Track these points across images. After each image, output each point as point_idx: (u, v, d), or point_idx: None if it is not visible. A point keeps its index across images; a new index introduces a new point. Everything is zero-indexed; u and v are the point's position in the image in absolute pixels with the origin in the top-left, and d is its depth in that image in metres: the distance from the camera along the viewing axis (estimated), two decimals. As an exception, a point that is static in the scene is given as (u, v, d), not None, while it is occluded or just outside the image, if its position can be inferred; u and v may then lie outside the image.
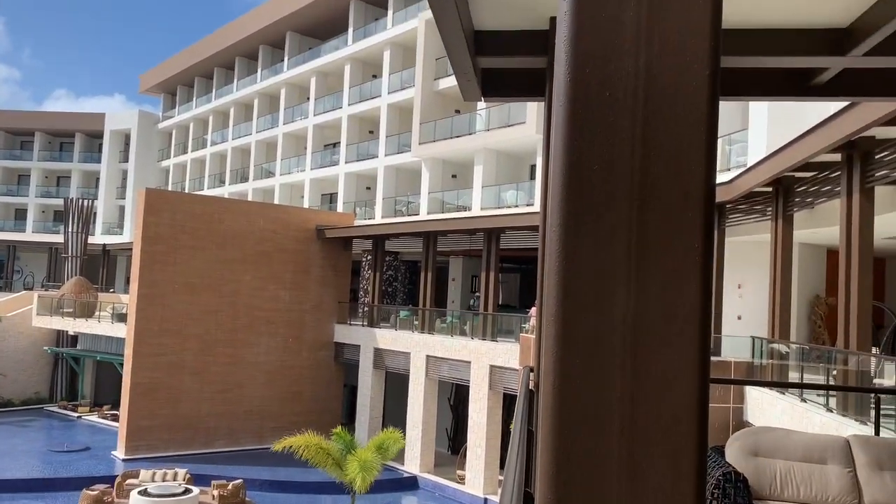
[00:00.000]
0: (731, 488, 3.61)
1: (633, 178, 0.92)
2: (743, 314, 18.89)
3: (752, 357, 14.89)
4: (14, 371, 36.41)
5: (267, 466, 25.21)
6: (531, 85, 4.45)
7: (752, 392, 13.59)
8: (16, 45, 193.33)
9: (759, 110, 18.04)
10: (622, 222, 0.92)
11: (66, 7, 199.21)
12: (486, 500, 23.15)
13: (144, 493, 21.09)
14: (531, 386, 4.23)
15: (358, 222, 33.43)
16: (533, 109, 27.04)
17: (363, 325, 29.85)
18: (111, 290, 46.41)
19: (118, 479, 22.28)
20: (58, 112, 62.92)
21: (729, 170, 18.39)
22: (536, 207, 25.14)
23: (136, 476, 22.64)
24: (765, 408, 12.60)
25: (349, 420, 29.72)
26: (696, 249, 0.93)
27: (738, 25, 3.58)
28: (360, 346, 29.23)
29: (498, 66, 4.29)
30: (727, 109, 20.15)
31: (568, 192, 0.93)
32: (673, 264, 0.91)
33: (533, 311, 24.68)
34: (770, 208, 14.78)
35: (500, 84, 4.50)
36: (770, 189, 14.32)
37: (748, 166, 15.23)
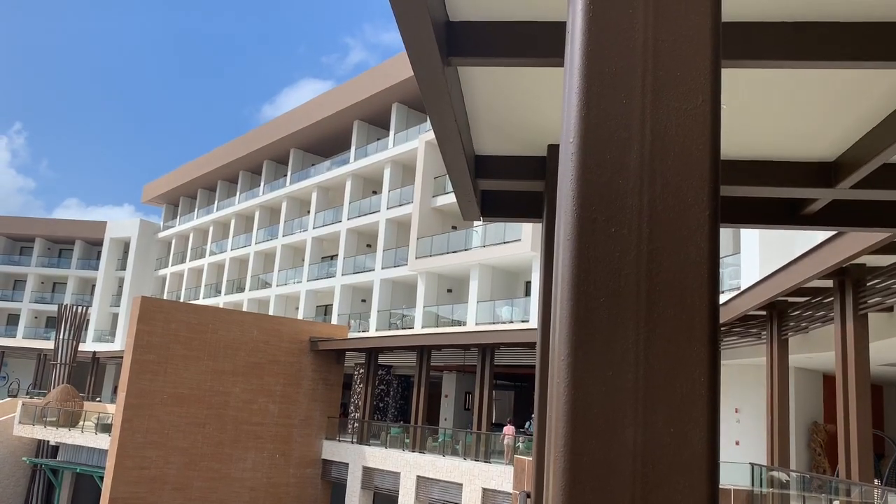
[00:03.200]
0: None
1: (638, 310, 0.95)
2: (741, 439, 18.50)
3: (752, 485, 14.46)
4: (-12, 482, 35.04)
5: (245, 592, 23.85)
6: (528, 206, 4.58)
7: (754, 522, 13.10)
8: (34, 157, 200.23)
9: (751, 235, 18.41)
10: (629, 353, 0.94)
11: (83, 122, 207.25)
12: None
13: None
14: (528, 511, 4.09)
15: (352, 335, 33.22)
16: (528, 228, 27.54)
17: (352, 442, 29.05)
18: (98, 398, 45.40)
19: None
20: (60, 219, 63.84)
21: (722, 293, 18.55)
22: (532, 324, 25.11)
23: None
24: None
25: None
26: (703, 382, 0.94)
27: (733, 157, 3.74)
28: (348, 463, 28.33)
29: (497, 188, 4.43)
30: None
31: (575, 322, 0.95)
32: (680, 394, 0.92)
33: (507, 429, 24.10)
34: (765, 332, 14.79)
35: (498, 205, 4.63)
36: (764, 312, 14.39)
37: (741, 289, 15.36)
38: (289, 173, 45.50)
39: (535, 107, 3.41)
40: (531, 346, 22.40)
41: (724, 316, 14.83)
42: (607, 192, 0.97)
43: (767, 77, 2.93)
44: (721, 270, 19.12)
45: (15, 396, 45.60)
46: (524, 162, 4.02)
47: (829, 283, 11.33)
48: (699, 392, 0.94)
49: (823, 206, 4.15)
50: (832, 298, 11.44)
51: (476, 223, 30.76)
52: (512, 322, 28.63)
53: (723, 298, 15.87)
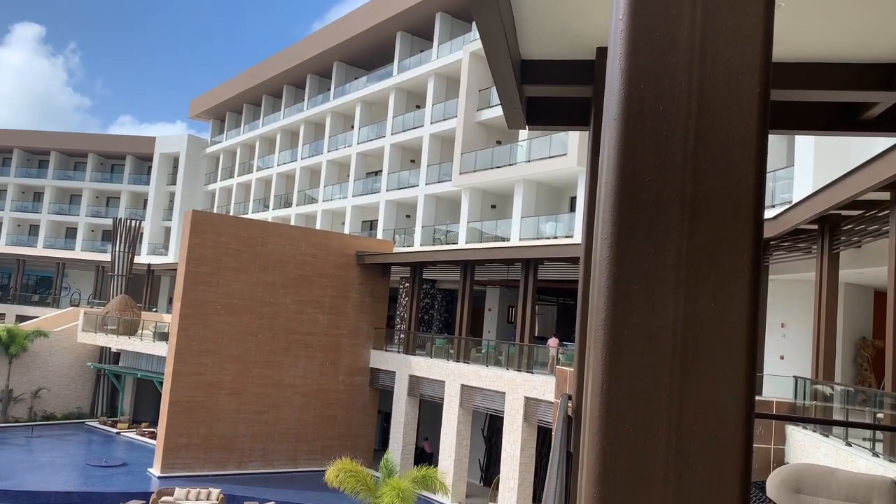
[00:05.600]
0: (773, 524, 3.52)
1: (684, 188, 0.96)
2: (786, 354, 18.46)
3: (795, 398, 14.52)
4: (58, 385, 37.22)
5: (299, 490, 25.23)
6: (575, 114, 4.50)
7: (794, 433, 13.23)
8: (90, 76, 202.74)
9: (805, 147, 17.81)
10: (673, 230, 0.96)
11: (137, 40, 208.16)
12: (517, 534, 22.79)
13: (178, 511, 21.28)
14: (569, 413, 4.21)
15: (397, 249, 33.64)
16: (574, 142, 27.07)
17: (399, 352, 29.88)
18: (154, 309, 47.30)
19: (153, 496, 22.51)
20: (111, 135, 64.97)
21: (773, 206, 18.13)
22: (576, 239, 25.05)
23: (171, 494, 22.85)
24: (807, 450, 12.25)
25: (382, 446, 29.63)
26: (745, 260, 0.96)
27: (786, 59, 3.59)
28: (395, 372, 29.24)
29: (543, 94, 4.35)
30: (772, 145, 19.95)
31: (619, 200, 0.97)
32: (722, 272, 0.94)
33: (551, 341, 24.46)
34: (815, 246, 14.51)
35: (544, 113, 4.56)
36: (815, 227, 14.07)
37: (793, 203, 15.00)
38: (332, 87, 45.18)
39: (583, 5, 3.31)
40: (575, 261, 22.41)
41: (774, 230, 14.56)
42: (656, 69, 0.96)
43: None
44: (773, 184, 18.68)
45: (77, 306, 47.82)
46: (572, 66, 3.93)
47: (885, 196, 10.99)
48: (741, 268, 0.95)
49: (883, 111, 3.98)
50: (887, 212, 11.12)
51: (521, 137, 30.36)
52: (556, 238, 28.57)
53: (773, 212, 15.54)
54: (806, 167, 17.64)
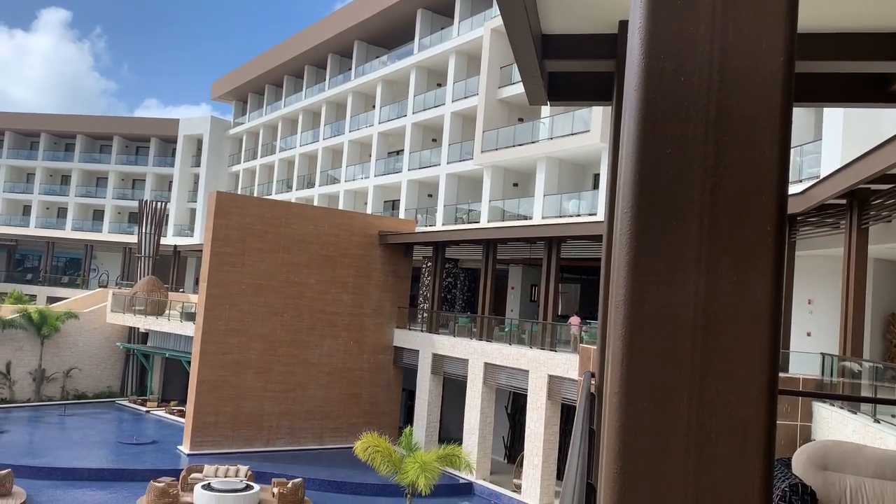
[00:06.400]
0: (798, 501, 3.50)
1: (706, 159, 0.94)
2: (812, 331, 18.26)
3: (822, 374, 14.38)
4: (88, 365, 37.96)
5: (326, 467, 25.58)
6: (598, 89, 4.44)
7: (820, 410, 13.12)
8: (115, 60, 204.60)
9: (833, 120, 17.47)
10: (694, 202, 0.94)
11: (161, 24, 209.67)
12: (541, 510, 22.94)
13: (208, 487, 21.69)
14: (592, 390, 4.21)
15: (419, 229, 33.69)
16: (598, 118, 26.80)
17: (422, 331, 30.04)
18: (181, 289, 47.93)
19: (183, 473, 22.96)
20: (135, 117, 65.52)
21: (800, 181, 17.85)
22: (599, 217, 24.89)
23: (201, 471, 23.28)
24: (834, 427, 12.15)
25: (406, 424, 29.89)
26: (769, 232, 0.94)
27: (813, 29, 3.50)
28: (418, 350, 29.41)
29: (565, 69, 4.30)
30: (800, 119, 19.59)
31: (640, 173, 0.95)
32: (745, 243, 0.93)
33: (573, 319, 24.41)
34: (843, 221, 14.28)
35: (566, 88, 4.51)
36: (843, 201, 13.84)
37: (821, 177, 14.75)
38: (353, 67, 45.08)
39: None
40: (598, 239, 22.29)
41: (801, 205, 14.35)
42: (677, 39, 0.94)
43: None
44: (800, 158, 18.37)
45: (105, 287, 48.58)
46: (593, 40, 3.87)
47: (917, 170, 10.77)
48: (764, 241, 0.94)
49: (915, 81, 3.88)
50: (919, 186, 10.90)
51: (543, 114, 30.11)
52: (579, 215, 28.41)
53: (801, 187, 15.30)
54: (834, 141, 17.31)
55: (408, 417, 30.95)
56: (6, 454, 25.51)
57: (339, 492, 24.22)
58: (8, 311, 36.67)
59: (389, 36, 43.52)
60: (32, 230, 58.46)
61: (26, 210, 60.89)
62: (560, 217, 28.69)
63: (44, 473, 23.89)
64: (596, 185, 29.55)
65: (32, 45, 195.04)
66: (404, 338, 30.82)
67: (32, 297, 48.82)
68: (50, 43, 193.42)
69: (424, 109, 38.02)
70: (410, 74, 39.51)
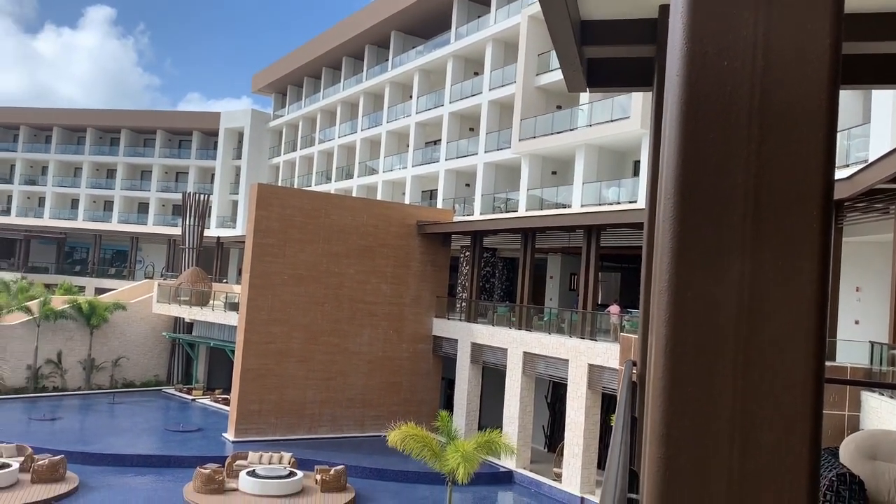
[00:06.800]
0: (846, 491, 3.44)
1: (749, 144, 0.93)
2: (861, 318, 17.83)
3: (871, 363, 14.04)
4: (136, 354, 38.92)
5: (367, 454, 25.88)
6: (638, 75, 4.39)
7: (869, 400, 12.82)
8: (158, 55, 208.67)
9: (883, 102, 16.96)
10: (738, 187, 0.93)
11: (203, 18, 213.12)
12: (582, 499, 22.89)
13: (253, 473, 22.11)
14: (633, 378, 4.19)
15: (457, 219, 33.70)
16: (637, 104, 26.43)
17: (461, 320, 30.10)
18: (224, 280, 48.76)
19: (228, 460, 23.44)
20: (177, 111, 66.63)
21: (847, 166, 17.39)
22: (640, 204, 24.59)
23: (245, 458, 23.74)
24: (884, 416, 11.86)
25: (447, 412, 30.03)
26: (814, 217, 0.93)
27: (861, 10, 3.41)
28: (457, 340, 29.49)
29: (604, 55, 4.25)
30: (847, 102, 19.07)
31: (683, 159, 0.95)
32: (790, 229, 0.92)
33: (612, 308, 24.17)
34: (893, 207, 13.88)
35: (605, 75, 4.46)
36: (893, 186, 13.43)
37: (869, 161, 14.35)
38: (390, 57, 45.16)
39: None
40: (639, 226, 22.04)
41: (848, 191, 13.98)
42: (719, 23, 0.93)
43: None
44: (847, 142, 17.89)
45: (151, 278, 49.68)
46: (634, 25, 3.82)
47: (971, 153, 10.40)
48: (810, 226, 0.92)
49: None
50: (974, 169, 10.53)
51: (582, 101, 29.80)
52: (619, 203, 28.10)
53: (848, 172, 14.91)
54: (883, 123, 16.81)
55: (447, 406, 31.09)
56: (59, 440, 26.34)
57: (380, 479, 24.49)
58: (59, 302, 37.76)
59: (426, 25, 43.46)
60: (80, 223, 60.03)
61: (74, 203, 62.48)
62: (599, 205, 28.42)
63: (95, 459, 24.59)
64: (636, 172, 29.19)
65: (79, 42, 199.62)
66: (443, 327, 30.93)
67: (81, 289, 50.16)
68: (95, 40, 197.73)
69: (461, 98, 37.94)
70: (447, 63, 39.44)
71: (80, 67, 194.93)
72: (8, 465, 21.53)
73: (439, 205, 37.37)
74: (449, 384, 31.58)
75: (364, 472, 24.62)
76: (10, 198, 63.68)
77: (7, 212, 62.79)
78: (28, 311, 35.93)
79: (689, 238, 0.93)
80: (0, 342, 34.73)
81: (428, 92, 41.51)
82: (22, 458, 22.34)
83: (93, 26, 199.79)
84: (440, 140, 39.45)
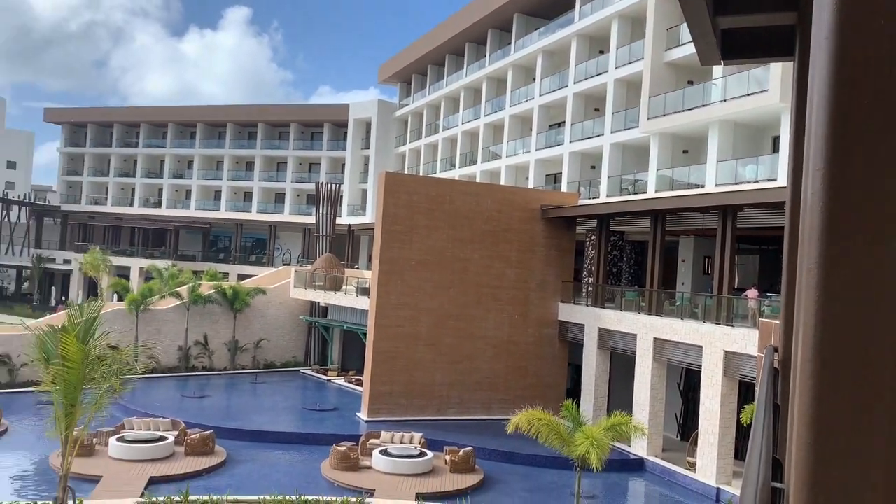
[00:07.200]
0: None
1: (910, 108, 0.87)
2: None
3: None
4: (276, 336, 41.16)
5: (495, 437, 26.12)
6: (777, 44, 4.14)
7: None
8: (291, 52, 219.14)
9: None
10: (893, 158, 0.87)
11: (333, 14, 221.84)
12: (718, 490, 22.07)
13: (385, 452, 22.88)
14: (775, 365, 3.98)
15: (582, 202, 33.13)
16: (776, 76, 24.88)
17: (587, 305, 29.65)
18: (355, 266, 50.57)
19: (362, 439, 24.37)
20: (309, 105, 69.33)
21: None
22: (780, 182, 23.22)
23: (378, 437, 24.60)
24: None
25: (573, 398, 29.75)
26: None
27: None
28: (584, 325, 29.10)
29: (739, 25, 4.04)
30: None
31: (834, 127, 0.90)
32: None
33: (750, 293, 22.89)
34: None
35: (741, 46, 4.23)
36: None
37: None
38: (513, 40, 44.89)
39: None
40: (779, 206, 20.81)
41: None
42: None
43: None
44: None
45: (288, 265, 52.32)
46: (772, -9, 3.61)
47: None
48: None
49: None
50: None
51: (715, 76, 28.42)
52: (757, 181, 26.63)
53: None
54: None
55: (574, 392, 30.80)
56: (208, 416, 28.33)
57: (509, 462, 24.65)
58: (206, 287, 40.53)
59: (549, 6, 42.80)
60: (223, 213, 64.03)
61: (217, 195, 66.59)
62: (735, 184, 27.05)
63: (239, 435, 26.26)
64: (776, 149, 27.52)
65: (219, 42, 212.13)
66: (569, 312, 30.60)
67: (225, 275, 53.62)
68: (234, 39, 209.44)
69: (586, 78, 37.15)
70: (571, 43, 38.71)
71: (220, 66, 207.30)
72: (165, 438, 23.42)
73: (564, 188, 36.89)
74: (576, 370, 31.25)
75: (492, 454, 24.88)
76: (160, 191, 68.81)
77: (158, 204, 67.95)
78: (179, 296, 38.81)
79: (843, 211, 0.88)
80: (155, 325, 37.71)
81: (551, 73, 40.95)
82: (176, 433, 24.21)
83: (232, 26, 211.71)
84: (564, 122, 38.85)
